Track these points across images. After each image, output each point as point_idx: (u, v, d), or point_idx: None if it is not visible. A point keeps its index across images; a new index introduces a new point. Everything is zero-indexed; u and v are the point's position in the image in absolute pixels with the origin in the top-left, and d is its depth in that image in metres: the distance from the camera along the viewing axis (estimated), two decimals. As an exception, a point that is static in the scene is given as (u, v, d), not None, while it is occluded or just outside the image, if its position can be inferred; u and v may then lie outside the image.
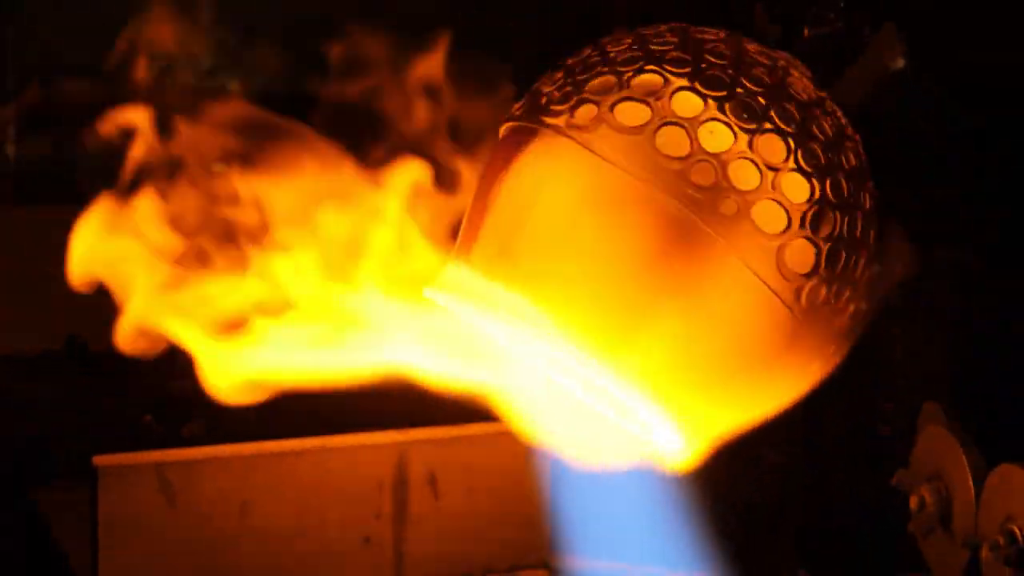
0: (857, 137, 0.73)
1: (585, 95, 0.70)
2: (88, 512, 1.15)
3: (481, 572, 1.23)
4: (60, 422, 1.34)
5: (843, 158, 0.71)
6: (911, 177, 0.80)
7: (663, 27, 0.72)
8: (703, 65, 0.70)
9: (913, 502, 1.00)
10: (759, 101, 0.69)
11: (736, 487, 1.06)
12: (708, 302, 0.69)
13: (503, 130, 0.74)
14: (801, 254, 0.70)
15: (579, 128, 0.69)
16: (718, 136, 0.69)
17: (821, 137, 0.70)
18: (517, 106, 0.74)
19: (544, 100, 0.71)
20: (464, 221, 0.74)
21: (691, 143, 0.68)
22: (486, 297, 0.71)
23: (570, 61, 0.73)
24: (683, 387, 0.71)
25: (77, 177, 0.87)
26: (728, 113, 0.69)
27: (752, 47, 0.73)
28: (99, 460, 1.14)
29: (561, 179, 0.69)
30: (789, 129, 0.69)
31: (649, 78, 0.70)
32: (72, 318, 1.44)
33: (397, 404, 1.27)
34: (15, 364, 1.42)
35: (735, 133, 0.69)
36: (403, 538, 1.21)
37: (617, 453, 0.79)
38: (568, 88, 0.71)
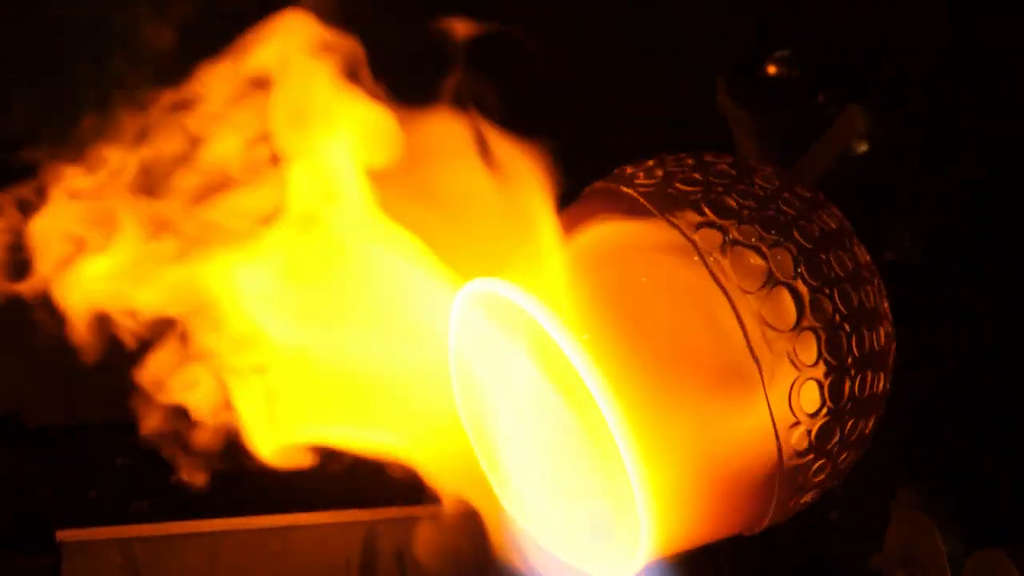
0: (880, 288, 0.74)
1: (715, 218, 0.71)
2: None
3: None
4: (4, 495, 1.32)
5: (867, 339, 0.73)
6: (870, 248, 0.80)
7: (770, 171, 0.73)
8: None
9: (888, 588, 0.99)
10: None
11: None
12: (728, 418, 0.70)
13: (609, 188, 0.75)
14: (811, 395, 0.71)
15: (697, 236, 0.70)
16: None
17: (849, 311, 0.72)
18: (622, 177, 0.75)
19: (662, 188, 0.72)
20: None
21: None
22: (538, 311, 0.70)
23: (690, 162, 0.74)
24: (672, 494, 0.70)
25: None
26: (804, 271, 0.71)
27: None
28: (63, 535, 1.12)
29: (653, 259, 0.71)
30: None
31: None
32: (8, 392, 1.43)
33: (365, 482, 1.25)
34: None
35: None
36: (372, 617, 1.20)
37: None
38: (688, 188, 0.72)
